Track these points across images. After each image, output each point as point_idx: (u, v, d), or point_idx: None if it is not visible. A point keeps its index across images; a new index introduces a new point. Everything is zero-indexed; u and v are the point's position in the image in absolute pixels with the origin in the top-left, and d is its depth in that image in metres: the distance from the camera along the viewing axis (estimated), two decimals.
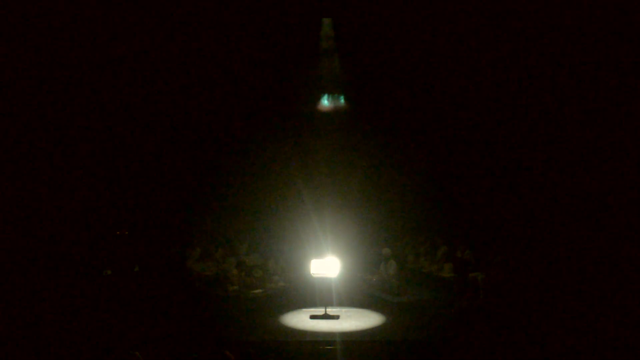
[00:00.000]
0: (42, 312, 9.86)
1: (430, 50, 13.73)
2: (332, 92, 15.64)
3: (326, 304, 10.98)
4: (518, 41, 12.72)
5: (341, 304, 11.34)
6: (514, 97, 13.17)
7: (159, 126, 14.12)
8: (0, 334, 8.90)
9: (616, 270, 10.72)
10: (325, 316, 10.69)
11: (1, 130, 11.70)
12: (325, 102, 15.70)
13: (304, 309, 11.27)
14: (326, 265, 10.86)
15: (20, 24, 11.61)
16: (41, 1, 11.74)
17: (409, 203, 15.49)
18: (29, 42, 11.80)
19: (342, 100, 15.67)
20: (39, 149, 12.20)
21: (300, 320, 10.64)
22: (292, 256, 13.56)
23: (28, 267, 11.10)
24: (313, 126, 15.59)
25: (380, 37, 14.14)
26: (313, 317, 10.74)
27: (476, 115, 13.94)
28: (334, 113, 15.63)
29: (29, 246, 11.42)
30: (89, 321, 9.77)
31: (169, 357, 8.51)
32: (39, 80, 12.06)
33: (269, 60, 14.41)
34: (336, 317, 10.70)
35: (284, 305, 11.60)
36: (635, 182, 11.32)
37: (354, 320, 10.57)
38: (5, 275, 10.67)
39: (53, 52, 12.10)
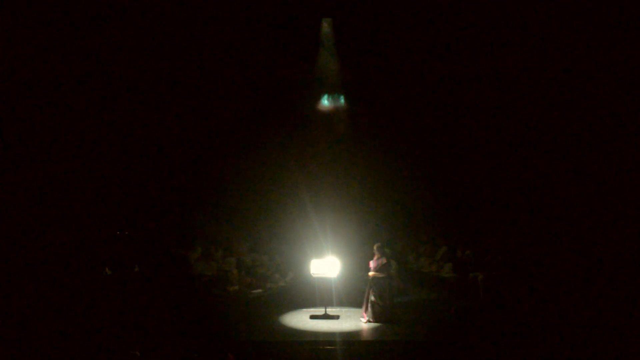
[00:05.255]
0: (42, 312, 9.85)
1: (431, 49, 13.74)
2: (332, 92, 15.64)
3: (326, 304, 10.98)
4: (519, 41, 12.74)
5: (341, 304, 11.33)
6: (515, 98, 13.18)
7: (159, 127, 14.12)
8: (0, 333, 8.89)
9: (616, 270, 10.72)
10: (325, 316, 10.69)
11: (2, 130, 11.71)
12: (325, 102, 15.70)
13: (304, 309, 11.27)
14: (326, 265, 10.86)
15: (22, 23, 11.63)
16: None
17: (409, 203, 15.49)
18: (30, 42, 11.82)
19: (342, 100, 15.67)
20: (39, 149, 12.20)
21: (300, 320, 10.63)
22: (292, 256, 13.57)
23: (28, 267, 11.09)
24: (313, 126, 15.58)
25: (381, 37, 14.15)
26: (313, 317, 10.73)
27: (477, 115, 13.95)
28: (334, 113, 15.63)
29: (30, 246, 11.42)
30: (89, 321, 9.76)
31: (169, 357, 8.50)
32: (40, 79, 12.07)
33: (269, 61, 14.41)
34: (336, 317, 10.70)
35: (284, 305, 11.60)
36: (634, 182, 11.33)
37: (354, 320, 10.57)
38: (5, 275, 10.66)
39: (53, 52, 12.10)
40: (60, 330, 9.22)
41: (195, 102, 14.41)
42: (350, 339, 9.56)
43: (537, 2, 12.18)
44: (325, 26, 14.89)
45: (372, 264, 10.62)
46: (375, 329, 10.12)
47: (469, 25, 13.05)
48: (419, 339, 9.59)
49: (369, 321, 10.37)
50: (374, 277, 10.51)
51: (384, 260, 10.56)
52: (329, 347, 9.18)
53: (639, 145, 11.46)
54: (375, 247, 10.71)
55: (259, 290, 12.58)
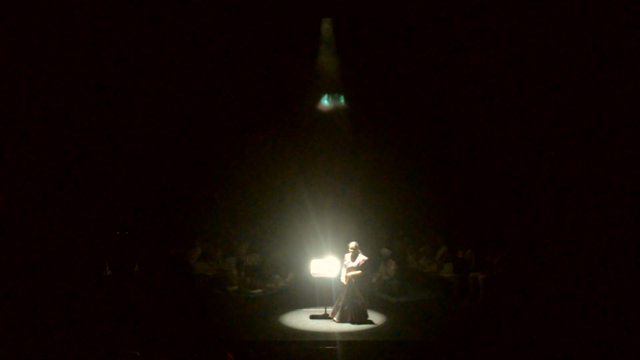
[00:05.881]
0: (42, 312, 9.85)
1: (431, 50, 13.74)
2: (332, 92, 15.64)
3: (326, 304, 10.97)
4: (518, 41, 12.74)
5: None
6: (515, 97, 13.18)
7: (158, 127, 14.12)
8: (0, 333, 8.89)
9: (615, 270, 10.72)
10: (325, 316, 10.69)
11: (2, 130, 11.71)
12: (325, 102, 15.70)
13: (304, 309, 11.27)
14: (326, 265, 10.86)
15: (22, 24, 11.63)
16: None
17: (409, 203, 15.48)
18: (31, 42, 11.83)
19: (342, 100, 15.67)
20: (39, 149, 12.21)
21: (300, 320, 10.63)
22: (292, 256, 13.57)
23: (28, 267, 11.09)
24: (313, 126, 15.59)
25: (381, 37, 14.15)
26: (313, 317, 10.73)
27: (477, 115, 13.95)
28: (334, 113, 15.63)
29: (30, 246, 11.42)
30: (89, 321, 9.76)
31: (169, 357, 8.50)
32: (40, 80, 12.07)
33: (269, 61, 14.42)
34: None
35: (284, 305, 11.60)
36: (634, 182, 11.34)
37: None
38: (5, 275, 10.66)
39: (52, 52, 12.11)
40: (60, 330, 9.22)
41: (195, 102, 14.41)
42: (350, 339, 9.56)
43: (538, 2, 12.19)
44: (325, 26, 14.90)
45: (349, 263, 10.54)
46: (375, 329, 10.12)
47: (470, 24, 13.04)
48: (419, 339, 9.59)
49: (353, 321, 10.32)
50: (354, 276, 10.47)
51: (365, 258, 10.56)
52: (329, 347, 9.19)
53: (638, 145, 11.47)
54: (354, 246, 10.62)
55: (259, 290, 12.58)
